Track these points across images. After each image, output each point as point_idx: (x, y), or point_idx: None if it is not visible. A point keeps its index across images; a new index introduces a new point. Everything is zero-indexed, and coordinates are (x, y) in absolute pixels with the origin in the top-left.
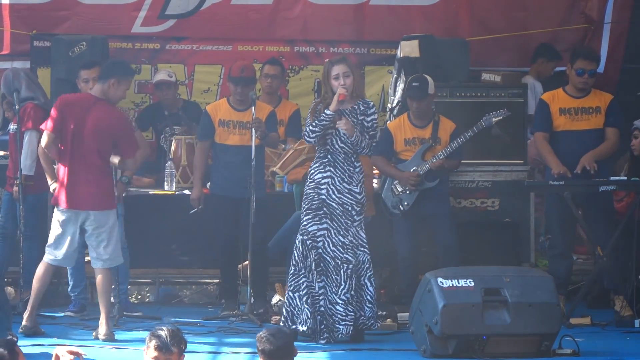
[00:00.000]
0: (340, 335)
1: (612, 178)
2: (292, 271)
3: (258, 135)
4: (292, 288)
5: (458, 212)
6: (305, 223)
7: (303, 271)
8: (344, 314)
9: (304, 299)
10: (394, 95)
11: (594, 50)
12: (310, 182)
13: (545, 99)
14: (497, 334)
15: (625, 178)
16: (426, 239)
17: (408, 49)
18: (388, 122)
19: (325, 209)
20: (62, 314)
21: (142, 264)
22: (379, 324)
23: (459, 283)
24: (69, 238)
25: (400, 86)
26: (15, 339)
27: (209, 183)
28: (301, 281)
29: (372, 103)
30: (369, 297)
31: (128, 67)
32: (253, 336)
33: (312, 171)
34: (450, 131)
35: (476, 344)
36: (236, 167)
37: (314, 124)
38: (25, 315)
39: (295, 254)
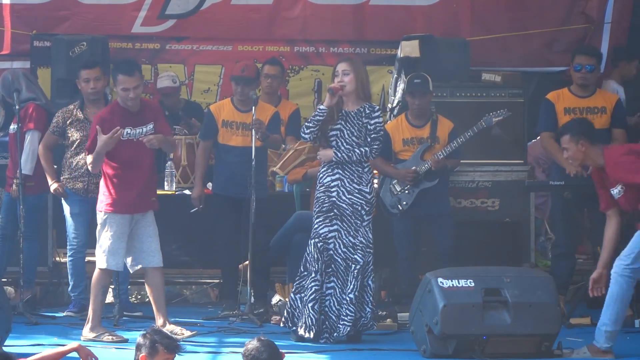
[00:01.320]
0: (337, 335)
1: None
2: (299, 273)
3: (259, 136)
4: (294, 290)
5: (458, 212)
6: (316, 226)
7: (313, 274)
8: (345, 313)
9: (311, 304)
10: (394, 96)
11: (594, 47)
12: (320, 186)
13: (550, 99)
14: (497, 334)
15: None
16: (426, 239)
17: (408, 49)
18: (386, 123)
19: (335, 210)
20: (62, 314)
21: None
22: (376, 325)
23: (459, 283)
24: None
25: (401, 86)
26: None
27: (209, 183)
28: (310, 285)
29: (377, 107)
30: (370, 298)
31: (115, 70)
32: (253, 336)
33: (321, 175)
34: (448, 130)
35: (476, 344)
36: (238, 168)
37: (309, 120)
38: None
39: (307, 257)
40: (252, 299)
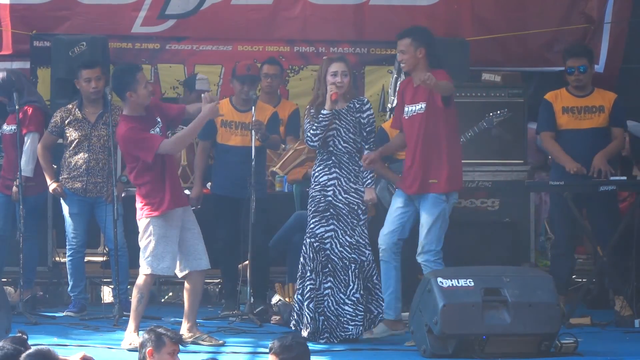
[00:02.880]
0: (350, 336)
1: (612, 178)
2: (299, 274)
3: (259, 137)
4: (300, 291)
5: (458, 212)
6: (312, 226)
7: (309, 274)
8: (353, 314)
9: (306, 302)
10: (394, 95)
11: (583, 46)
12: (316, 185)
13: (548, 99)
14: (497, 334)
15: (625, 178)
16: None
17: None
18: (383, 122)
19: (331, 210)
20: (62, 314)
21: None
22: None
23: (458, 283)
24: None
25: None
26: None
27: (209, 183)
28: (306, 284)
29: (366, 99)
30: (377, 295)
31: (129, 73)
32: (253, 336)
33: (317, 174)
34: None
35: (476, 344)
36: (237, 168)
37: (314, 127)
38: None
39: (303, 257)
40: (252, 298)
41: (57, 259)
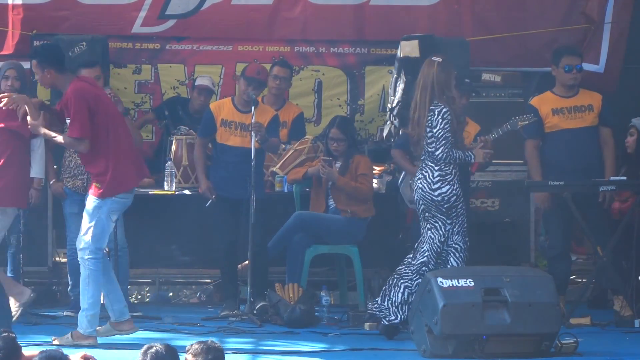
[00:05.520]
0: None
1: (612, 178)
2: (416, 269)
3: (258, 139)
4: (410, 287)
5: None
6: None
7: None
8: None
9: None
10: (394, 95)
11: (576, 46)
12: (460, 198)
13: (533, 104)
14: (497, 334)
15: (625, 178)
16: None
17: (408, 49)
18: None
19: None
20: (62, 314)
21: (142, 264)
22: None
23: (458, 283)
24: None
25: (401, 86)
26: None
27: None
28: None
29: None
30: None
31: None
32: (253, 336)
33: (457, 186)
34: (474, 132)
35: (476, 344)
36: (236, 168)
37: (457, 156)
38: None
39: (434, 258)
40: (252, 299)
41: (57, 259)
